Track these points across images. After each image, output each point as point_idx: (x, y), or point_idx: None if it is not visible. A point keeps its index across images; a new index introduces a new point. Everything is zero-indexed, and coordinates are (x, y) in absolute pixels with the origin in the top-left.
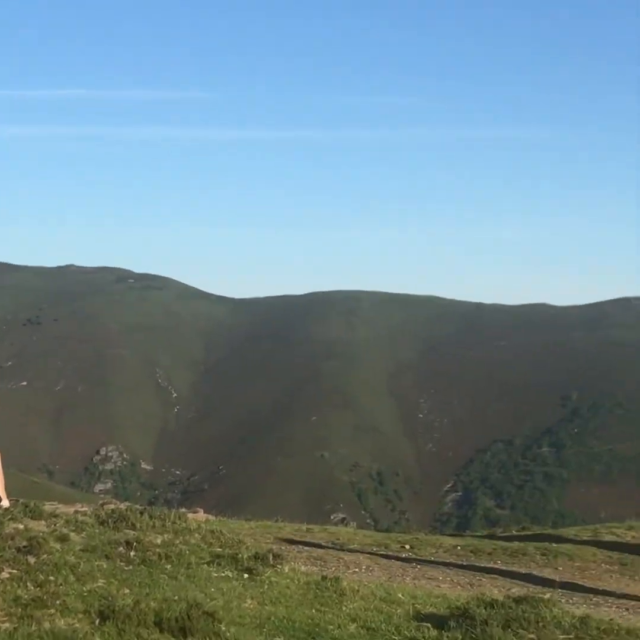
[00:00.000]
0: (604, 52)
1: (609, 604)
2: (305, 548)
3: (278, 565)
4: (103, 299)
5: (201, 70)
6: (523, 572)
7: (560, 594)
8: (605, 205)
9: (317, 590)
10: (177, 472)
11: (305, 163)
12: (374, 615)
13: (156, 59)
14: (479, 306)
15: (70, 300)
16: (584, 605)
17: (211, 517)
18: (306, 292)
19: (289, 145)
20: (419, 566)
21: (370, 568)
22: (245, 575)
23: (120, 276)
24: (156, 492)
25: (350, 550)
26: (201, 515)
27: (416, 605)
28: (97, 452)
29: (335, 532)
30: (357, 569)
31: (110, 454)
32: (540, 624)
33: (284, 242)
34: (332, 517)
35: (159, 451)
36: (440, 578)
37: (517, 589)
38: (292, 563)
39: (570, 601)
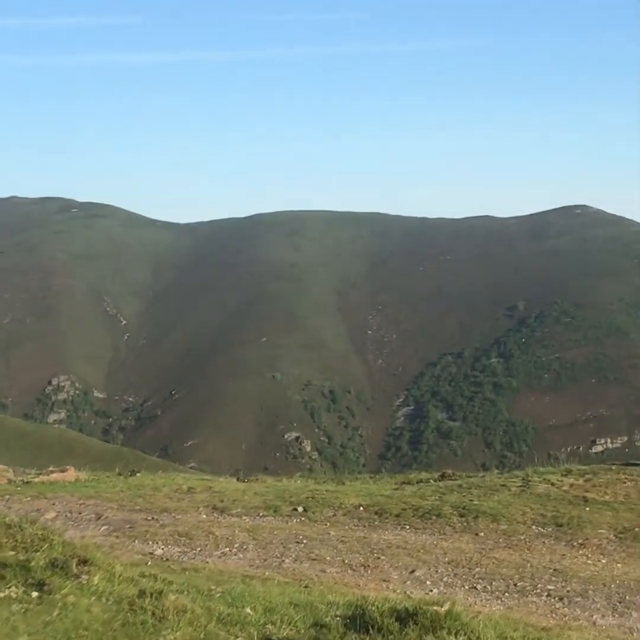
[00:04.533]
0: None
1: (538, 591)
2: (173, 519)
3: (84, 575)
4: (47, 230)
5: None
6: (434, 542)
7: (475, 577)
8: (545, 116)
9: (130, 613)
10: (130, 399)
11: (239, 82)
12: None
13: None
14: (424, 221)
15: (14, 232)
16: (506, 595)
17: (82, 476)
18: (251, 214)
19: (218, 64)
20: (305, 541)
21: (245, 546)
22: (35, 594)
23: (63, 206)
24: (110, 420)
25: (231, 516)
26: (71, 473)
27: (268, 625)
28: (49, 383)
29: (221, 491)
30: (227, 549)
31: (62, 384)
32: None
33: (226, 165)
34: (286, 437)
35: (111, 379)
36: (329, 558)
37: (422, 572)
38: (109, 568)
39: (488, 589)
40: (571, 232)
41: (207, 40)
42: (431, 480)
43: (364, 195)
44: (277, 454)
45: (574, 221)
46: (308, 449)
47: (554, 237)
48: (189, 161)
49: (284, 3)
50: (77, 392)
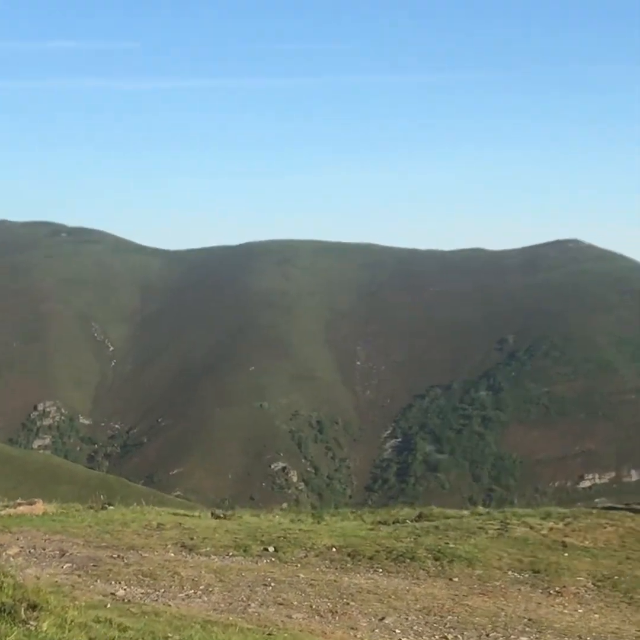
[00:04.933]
0: None
1: None
2: (139, 557)
3: (32, 621)
4: (37, 254)
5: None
6: (406, 587)
7: (446, 626)
8: (538, 148)
9: None
10: (116, 426)
11: (233, 112)
12: None
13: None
14: (414, 252)
15: (3, 255)
16: None
17: (51, 509)
18: (241, 242)
19: (214, 93)
20: (273, 584)
21: (210, 588)
22: None
23: (53, 230)
24: (96, 446)
25: (199, 555)
26: (39, 506)
27: None
28: (35, 408)
29: (192, 528)
30: (192, 591)
31: (48, 409)
32: None
33: (217, 193)
34: (272, 466)
35: (98, 405)
36: (296, 603)
37: (392, 619)
38: (62, 612)
39: (459, 639)
40: (563, 266)
41: (200, 68)
42: (408, 521)
43: (354, 226)
44: (264, 484)
45: (566, 255)
46: (294, 479)
47: (546, 271)
48: (180, 189)
49: (278, 32)
50: (62, 417)
